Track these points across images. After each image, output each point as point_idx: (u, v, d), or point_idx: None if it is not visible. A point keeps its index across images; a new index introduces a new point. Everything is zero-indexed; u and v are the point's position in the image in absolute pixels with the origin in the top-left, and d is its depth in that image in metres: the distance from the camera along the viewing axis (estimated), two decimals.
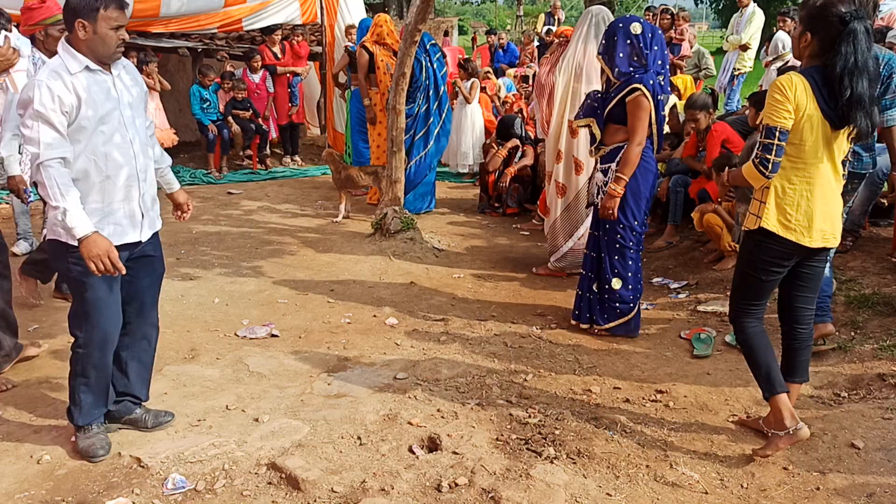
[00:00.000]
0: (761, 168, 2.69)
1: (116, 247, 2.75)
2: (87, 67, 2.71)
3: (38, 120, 2.61)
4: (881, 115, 4.06)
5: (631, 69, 3.92)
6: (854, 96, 2.60)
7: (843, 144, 2.77)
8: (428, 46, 6.82)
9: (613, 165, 3.98)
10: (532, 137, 7.44)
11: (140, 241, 2.92)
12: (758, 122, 2.79)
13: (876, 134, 3.89)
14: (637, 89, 3.86)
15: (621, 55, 3.93)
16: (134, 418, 3.10)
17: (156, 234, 3.04)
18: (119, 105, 2.80)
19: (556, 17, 13.91)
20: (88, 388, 2.91)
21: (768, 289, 2.92)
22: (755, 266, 2.87)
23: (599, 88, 4.62)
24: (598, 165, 4.11)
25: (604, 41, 4.05)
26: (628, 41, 3.93)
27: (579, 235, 5.07)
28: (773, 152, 2.66)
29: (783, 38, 8.55)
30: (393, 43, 7.03)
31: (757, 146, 2.72)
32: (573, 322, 4.33)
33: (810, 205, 2.74)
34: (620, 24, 3.98)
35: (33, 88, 2.62)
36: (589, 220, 4.53)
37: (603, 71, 4.10)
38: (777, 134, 2.65)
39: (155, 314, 3.13)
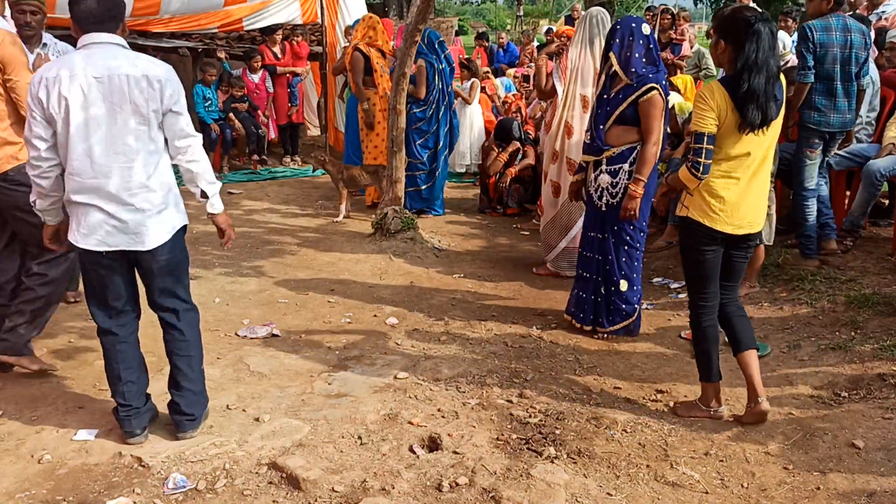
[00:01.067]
0: (693, 171, 2.94)
1: None
2: None
3: (184, 104, 2.79)
4: (861, 79, 4.53)
5: (644, 70, 3.91)
6: (749, 90, 2.82)
7: (766, 141, 2.96)
8: (436, 45, 6.70)
9: (625, 166, 3.95)
10: (532, 138, 7.43)
11: None
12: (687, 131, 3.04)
13: (855, 94, 4.57)
14: (653, 88, 3.85)
15: (637, 55, 3.89)
16: None
17: None
18: None
19: (576, 20, 13.84)
20: None
21: (707, 270, 3.13)
22: (689, 248, 3.15)
23: (592, 90, 4.60)
24: (605, 167, 4.02)
25: (617, 41, 3.95)
26: (641, 41, 3.92)
27: (573, 235, 5.07)
28: (703, 155, 2.90)
29: (783, 38, 8.52)
30: (383, 44, 6.95)
31: (688, 151, 2.97)
32: (566, 318, 4.32)
33: (731, 197, 2.98)
34: (633, 24, 3.95)
35: (174, 79, 2.76)
36: (582, 219, 4.51)
37: (612, 71, 3.98)
38: (705, 139, 2.89)
39: None
